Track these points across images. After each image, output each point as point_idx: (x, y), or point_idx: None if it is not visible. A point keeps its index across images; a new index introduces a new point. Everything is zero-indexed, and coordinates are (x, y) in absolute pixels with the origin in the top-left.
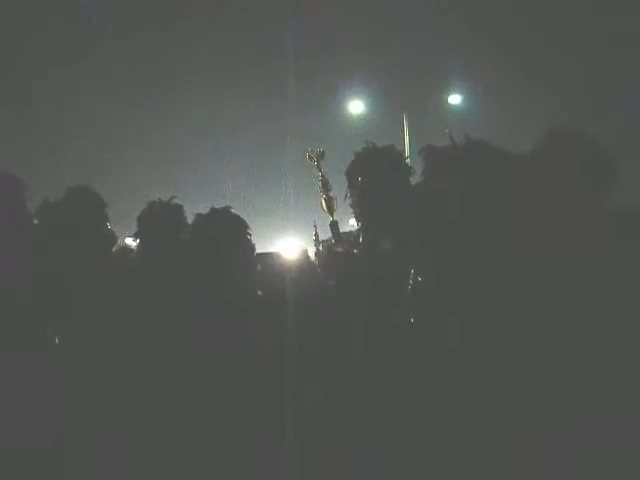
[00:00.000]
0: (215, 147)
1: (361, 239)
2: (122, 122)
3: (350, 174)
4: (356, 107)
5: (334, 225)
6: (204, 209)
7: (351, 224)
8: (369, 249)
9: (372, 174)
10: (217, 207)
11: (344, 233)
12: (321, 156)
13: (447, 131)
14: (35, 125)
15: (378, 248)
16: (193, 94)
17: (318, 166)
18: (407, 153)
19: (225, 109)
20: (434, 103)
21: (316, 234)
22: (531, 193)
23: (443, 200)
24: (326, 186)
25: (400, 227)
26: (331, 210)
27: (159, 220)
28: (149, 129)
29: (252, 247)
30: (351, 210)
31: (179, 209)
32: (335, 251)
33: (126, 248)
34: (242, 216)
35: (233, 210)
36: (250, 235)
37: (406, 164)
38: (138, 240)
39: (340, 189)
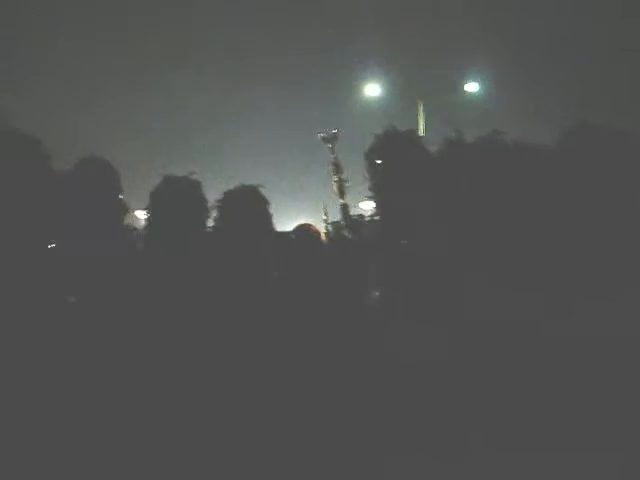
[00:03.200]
0: (228, 129)
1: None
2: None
3: (369, 156)
4: (372, 90)
5: (345, 208)
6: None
7: (361, 208)
8: (384, 233)
9: (393, 157)
10: (247, 184)
11: (354, 216)
12: (334, 138)
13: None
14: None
15: (395, 233)
16: (208, 78)
17: (332, 148)
18: None
19: (239, 89)
20: (451, 90)
21: (326, 215)
22: (552, 190)
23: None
24: (338, 168)
25: (418, 210)
26: (342, 193)
27: (176, 195)
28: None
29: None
30: (361, 194)
31: (197, 185)
32: (344, 235)
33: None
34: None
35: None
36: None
37: (425, 149)
38: (149, 214)
39: (351, 172)
